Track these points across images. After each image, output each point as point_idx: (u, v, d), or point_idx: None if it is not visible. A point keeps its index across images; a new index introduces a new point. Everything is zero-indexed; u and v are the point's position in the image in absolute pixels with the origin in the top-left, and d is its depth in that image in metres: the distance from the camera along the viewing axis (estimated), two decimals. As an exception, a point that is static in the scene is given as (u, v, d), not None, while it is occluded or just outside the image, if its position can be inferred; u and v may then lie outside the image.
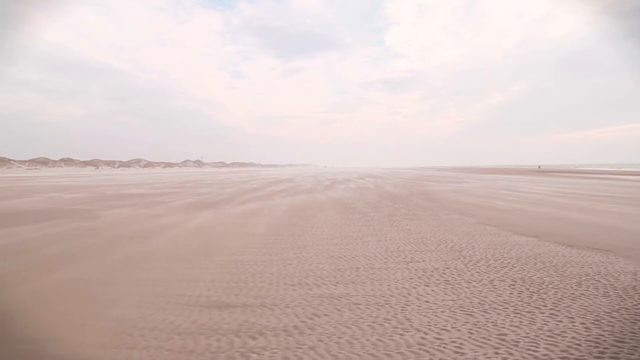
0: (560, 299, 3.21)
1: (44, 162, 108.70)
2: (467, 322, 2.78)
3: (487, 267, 4.25)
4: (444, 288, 3.55)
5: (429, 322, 2.79)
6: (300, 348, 2.45)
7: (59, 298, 3.40)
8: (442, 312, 2.99)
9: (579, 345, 2.40)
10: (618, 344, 2.39)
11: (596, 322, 2.72)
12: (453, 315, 2.91)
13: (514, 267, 4.24)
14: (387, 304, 3.19)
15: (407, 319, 2.86)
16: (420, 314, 2.95)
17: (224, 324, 2.85)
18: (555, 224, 7.02)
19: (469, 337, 2.54)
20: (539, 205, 10.09)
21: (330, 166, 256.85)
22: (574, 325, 2.67)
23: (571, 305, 3.07)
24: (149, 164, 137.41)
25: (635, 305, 3.04)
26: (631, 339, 2.46)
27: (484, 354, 2.31)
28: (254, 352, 2.41)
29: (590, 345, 2.39)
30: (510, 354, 2.31)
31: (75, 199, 12.97)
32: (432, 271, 4.11)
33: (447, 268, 4.23)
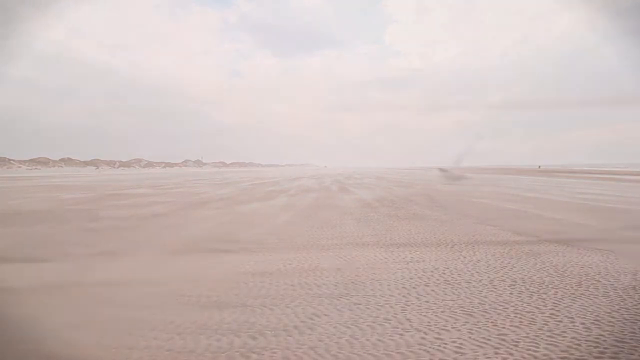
0: (560, 299, 3.21)
1: (44, 162, 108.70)
2: (467, 322, 2.77)
3: (487, 267, 4.25)
4: (444, 288, 3.56)
5: (429, 322, 2.79)
6: (300, 348, 2.45)
7: (58, 298, 3.40)
8: (442, 312, 2.99)
9: (579, 345, 2.40)
10: (618, 344, 2.39)
11: (596, 322, 2.71)
12: (453, 315, 2.91)
13: (514, 267, 4.24)
14: (387, 304, 3.19)
15: (407, 319, 2.86)
16: (420, 314, 2.95)
17: (224, 324, 2.85)
18: (555, 224, 7.02)
19: (469, 337, 2.54)
20: (539, 205, 10.09)
21: (330, 166, 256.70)
22: (574, 325, 2.67)
23: (571, 305, 3.06)
24: (149, 164, 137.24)
25: (635, 305, 3.04)
26: (631, 339, 2.45)
27: (484, 354, 2.31)
28: (254, 352, 2.41)
29: (590, 345, 2.39)
30: (510, 354, 2.31)
31: (76, 198, 12.97)
32: (432, 271, 4.12)
33: (447, 268, 4.23)
